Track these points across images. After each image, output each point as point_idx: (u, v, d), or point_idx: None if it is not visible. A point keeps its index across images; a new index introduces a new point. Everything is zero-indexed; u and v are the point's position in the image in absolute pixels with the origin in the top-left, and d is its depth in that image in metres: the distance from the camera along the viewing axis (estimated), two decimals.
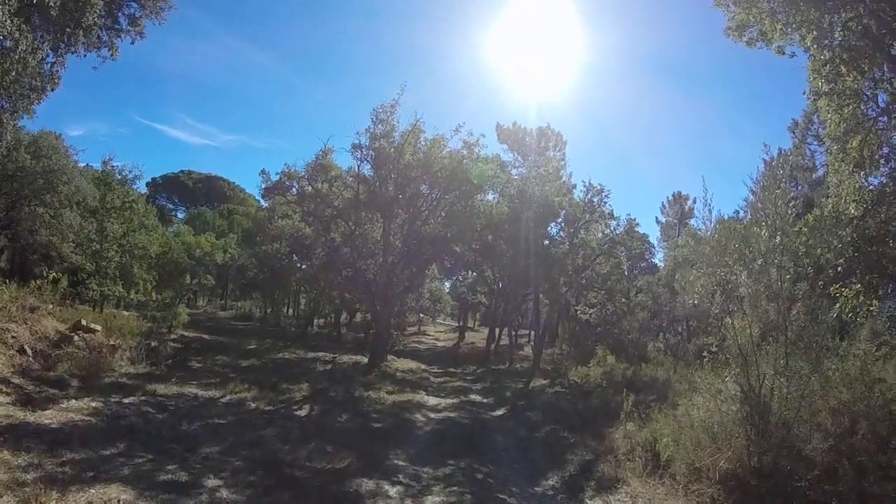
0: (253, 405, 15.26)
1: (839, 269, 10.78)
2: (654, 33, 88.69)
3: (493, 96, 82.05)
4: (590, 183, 28.22)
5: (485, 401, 19.95)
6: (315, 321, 45.53)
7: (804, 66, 12.05)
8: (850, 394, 8.97)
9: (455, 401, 19.28)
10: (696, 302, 11.46)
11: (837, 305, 10.77)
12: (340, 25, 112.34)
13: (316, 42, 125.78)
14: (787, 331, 9.43)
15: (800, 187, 42.70)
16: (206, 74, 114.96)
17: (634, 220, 31.49)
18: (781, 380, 9.17)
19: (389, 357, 29.00)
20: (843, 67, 10.45)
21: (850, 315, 10.99)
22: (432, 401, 18.77)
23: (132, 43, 17.52)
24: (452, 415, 16.62)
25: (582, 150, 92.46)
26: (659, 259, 48.78)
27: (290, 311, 52.85)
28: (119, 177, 26.87)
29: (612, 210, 30.14)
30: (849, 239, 10.62)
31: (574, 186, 31.34)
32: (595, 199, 29.50)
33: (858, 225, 10.78)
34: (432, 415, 16.37)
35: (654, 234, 51.24)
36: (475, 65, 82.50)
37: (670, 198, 50.67)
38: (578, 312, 35.29)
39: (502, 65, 68.74)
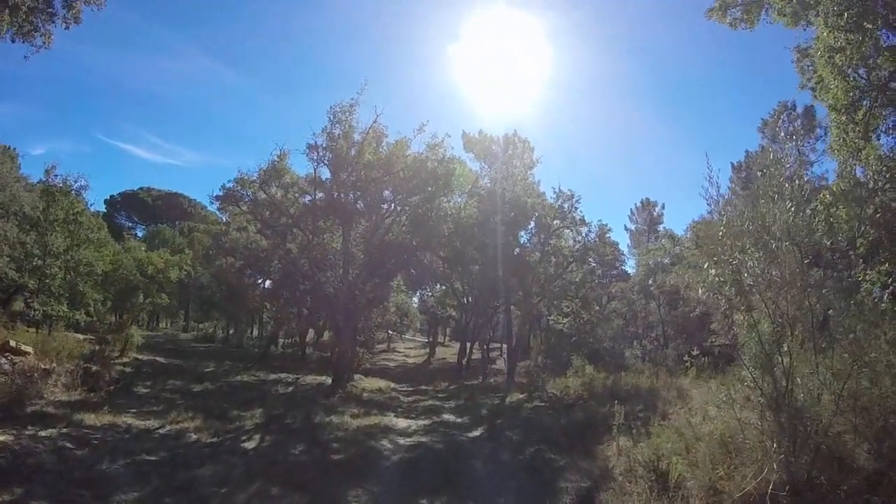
0: (194, 437, 13.17)
1: (861, 248, 9.23)
2: (620, 52, 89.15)
3: (461, 113, 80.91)
4: (559, 188, 26.78)
5: (459, 420, 17.96)
6: (280, 341, 42.98)
7: (765, 79, 11.00)
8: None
9: (427, 422, 17.24)
10: (703, 296, 9.60)
11: (863, 288, 9.16)
12: (308, 42, 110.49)
13: (282, 59, 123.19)
14: (814, 321, 7.77)
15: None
16: (170, 92, 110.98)
17: (606, 225, 30.12)
18: (818, 378, 7.46)
19: (356, 377, 26.81)
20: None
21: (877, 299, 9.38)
22: (402, 423, 16.70)
23: (66, 28, 15.16)
24: (424, 439, 14.58)
25: (547, 163, 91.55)
26: (630, 266, 47.75)
27: (255, 331, 50.07)
28: (63, 187, 24.23)
29: (583, 216, 28.68)
30: (871, 211, 9.10)
31: (543, 193, 29.80)
32: (566, 205, 28.05)
33: (882, 197, 9.26)
34: (402, 440, 14.31)
35: (623, 242, 50.38)
36: (443, 83, 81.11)
37: (638, 205, 49.96)
38: (551, 322, 33.68)
39: (469, 82, 67.58)
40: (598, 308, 31.82)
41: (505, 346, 54.18)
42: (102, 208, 56.46)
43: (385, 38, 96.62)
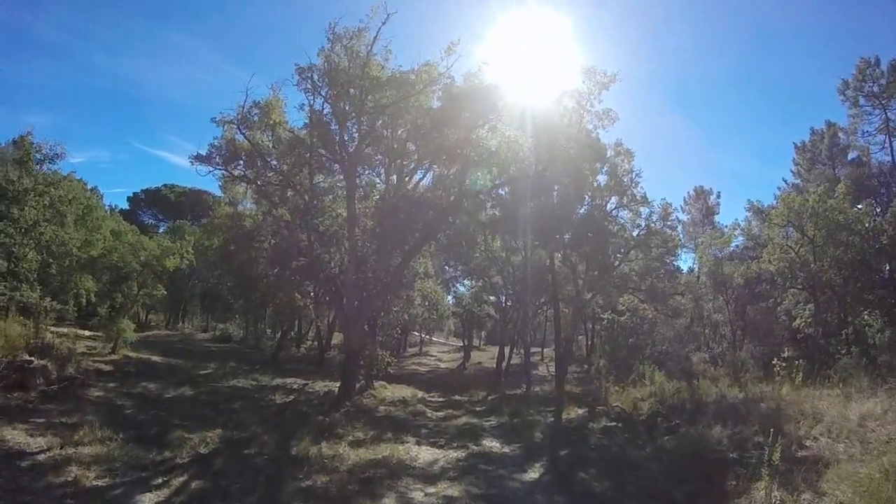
0: (74, 474, 7.78)
1: None
2: (653, 50, 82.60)
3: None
4: (620, 144, 20.19)
5: (507, 450, 12.17)
6: (309, 343, 37.66)
7: None
8: None
9: (461, 454, 11.48)
10: None
11: None
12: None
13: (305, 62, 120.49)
14: None
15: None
16: (199, 99, 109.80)
17: (671, 205, 23.75)
18: None
19: (378, 384, 21.18)
20: None
21: None
22: (424, 456, 11.02)
23: None
24: (456, 491, 8.75)
25: None
26: (684, 261, 41.01)
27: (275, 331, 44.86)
28: (39, 156, 19.69)
29: (644, 193, 22.33)
30: None
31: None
32: (625, 179, 21.89)
33: None
34: (421, 493, 8.55)
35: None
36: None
37: (692, 192, 43.05)
38: (606, 321, 27.44)
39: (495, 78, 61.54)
40: (661, 304, 25.38)
41: (545, 350, 48.51)
42: (126, 206, 52.97)
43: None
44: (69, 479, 7.83)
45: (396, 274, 15.54)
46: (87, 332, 25.33)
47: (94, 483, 7.80)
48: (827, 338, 20.95)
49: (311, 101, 14.99)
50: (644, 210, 21.51)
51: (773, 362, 15.60)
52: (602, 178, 18.98)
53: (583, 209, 17.23)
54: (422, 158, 15.24)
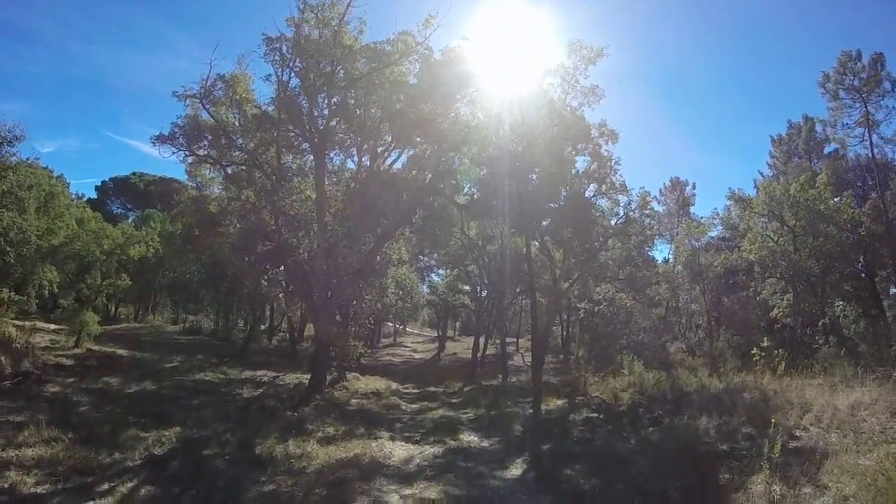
0: (11, 479, 7.10)
1: None
2: (634, 40, 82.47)
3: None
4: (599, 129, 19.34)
5: (487, 445, 11.46)
6: (275, 333, 36.39)
7: None
8: None
9: (439, 449, 10.72)
10: None
11: None
12: None
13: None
14: None
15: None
16: (171, 86, 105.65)
17: (649, 193, 23.24)
18: None
19: (350, 375, 20.31)
20: None
21: None
22: (399, 453, 10.21)
23: None
24: (434, 493, 7.98)
25: None
26: (660, 252, 40.65)
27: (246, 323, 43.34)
28: None
29: (623, 181, 21.73)
30: None
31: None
32: (606, 166, 21.27)
33: None
34: (396, 495, 7.76)
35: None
36: None
37: (668, 184, 42.75)
38: (583, 310, 26.99)
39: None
40: (635, 293, 24.89)
41: (520, 340, 47.96)
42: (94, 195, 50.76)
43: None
44: (5, 485, 6.90)
45: (368, 260, 14.55)
46: (51, 326, 23.73)
47: (33, 490, 6.88)
48: (805, 328, 20.89)
49: (280, 74, 13.89)
50: (622, 198, 20.88)
51: (753, 351, 15.18)
52: (582, 163, 17.98)
53: (564, 193, 16.30)
54: (396, 138, 14.15)
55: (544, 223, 17.37)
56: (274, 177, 14.99)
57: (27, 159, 20.50)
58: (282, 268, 15.75)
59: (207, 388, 16.46)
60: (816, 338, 18.04)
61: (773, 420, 8.41)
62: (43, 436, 8.95)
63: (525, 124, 14.88)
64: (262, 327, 33.59)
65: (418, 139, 13.98)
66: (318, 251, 13.75)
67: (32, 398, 12.52)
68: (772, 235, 22.91)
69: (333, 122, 13.65)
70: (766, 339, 16.11)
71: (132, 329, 36.94)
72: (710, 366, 18.65)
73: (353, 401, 15.53)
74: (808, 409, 11.00)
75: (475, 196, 13.91)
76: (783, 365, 13.78)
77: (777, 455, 7.51)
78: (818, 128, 34.34)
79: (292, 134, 14.67)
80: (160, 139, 15.59)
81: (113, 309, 47.96)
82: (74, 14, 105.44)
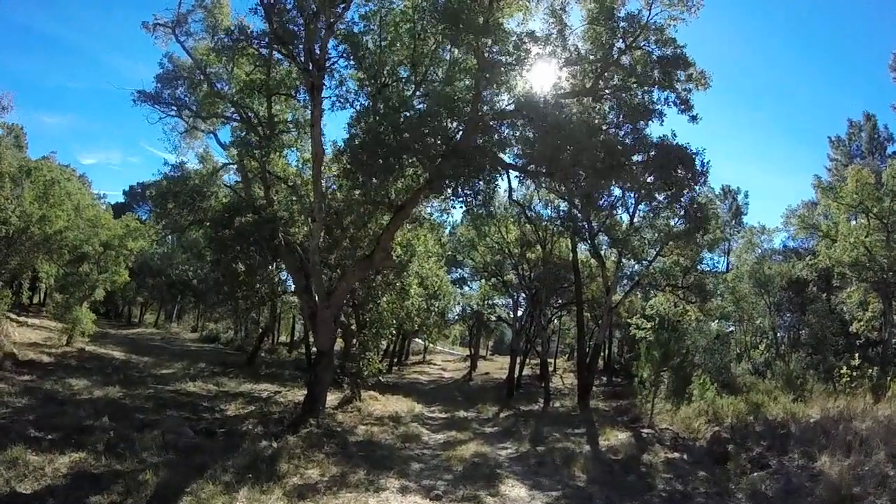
0: None
1: None
2: None
3: None
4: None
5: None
6: (297, 347, 32.97)
7: None
8: None
9: None
10: None
11: None
12: None
13: None
14: None
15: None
16: None
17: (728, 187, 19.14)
18: None
19: (367, 395, 16.67)
20: None
21: None
22: None
23: None
24: None
25: None
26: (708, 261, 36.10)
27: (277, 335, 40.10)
28: None
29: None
30: None
31: None
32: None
33: None
34: None
35: None
36: None
37: (718, 192, 38.14)
38: (632, 327, 22.74)
39: None
40: (698, 302, 20.58)
41: (557, 361, 43.31)
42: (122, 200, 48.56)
43: None
44: None
45: (382, 242, 10.69)
46: (53, 323, 21.62)
47: None
48: None
49: None
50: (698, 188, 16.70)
51: (842, 371, 12.56)
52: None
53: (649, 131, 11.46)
54: (416, 65, 10.26)
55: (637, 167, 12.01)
56: (261, 127, 11.47)
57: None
58: (264, 248, 12.04)
59: (185, 402, 13.06)
60: None
61: None
62: None
63: (592, 39, 10.48)
64: (268, 336, 30.13)
65: (449, 56, 10.03)
66: (314, 226, 10.07)
67: None
68: (859, 234, 18.56)
69: (330, 44, 9.88)
70: (855, 356, 13.06)
71: (147, 334, 34.40)
72: (787, 389, 14.70)
73: (361, 427, 11.75)
74: None
75: (528, 140, 9.92)
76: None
77: None
78: (880, 126, 30.86)
79: (283, 57, 10.94)
80: (145, 96, 12.35)
81: (138, 314, 45.89)
82: (115, 30, 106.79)
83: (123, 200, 48.13)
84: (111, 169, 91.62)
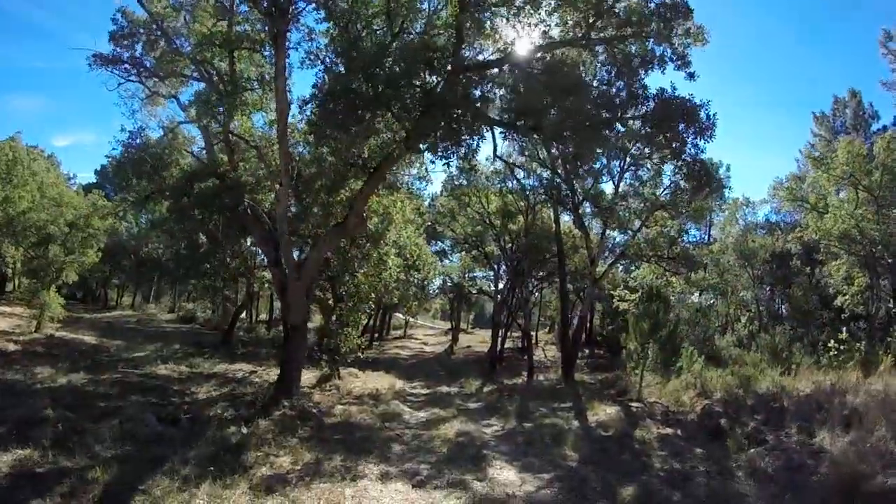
0: None
1: None
2: None
3: None
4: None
5: (531, 488, 7.10)
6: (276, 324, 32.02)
7: None
8: None
9: (458, 501, 6.24)
10: None
11: None
12: None
13: None
14: None
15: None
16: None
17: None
18: None
19: (346, 372, 16.04)
20: None
21: None
22: None
23: None
24: None
25: None
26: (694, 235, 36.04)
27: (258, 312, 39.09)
28: None
29: None
30: None
31: None
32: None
33: None
34: None
35: None
36: None
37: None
38: (616, 299, 22.37)
39: None
40: (686, 272, 20.20)
41: (538, 334, 42.98)
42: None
43: None
44: None
45: (356, 207, 9.84)
46: (24, 310, 20.48)
47: None
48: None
49: None
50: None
51: (830, 345, 12.68)
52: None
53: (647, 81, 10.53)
54: (392, 16, 9.15)
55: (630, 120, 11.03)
56: (223, 85, 10.41)
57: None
58: (225, 215, 11.10)
59: (153, 386, 12.23)
60: None
61: None
62: None
63: None
64: (244, 312, 29.27)
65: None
66: (281, 191, 9.19)
67: None
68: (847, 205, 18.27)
69: None
70: (841, 329, 13.34)
71: (123, 317, 33.19)
72: (773, 362, 14.54)
73: (339, 407, 11.09)
74: None
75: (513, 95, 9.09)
76: (888, 359, 10.83)
77: None
78: (865, 103, 30.59)
79: (244, 2, 9.90)
80: (101, 59, 11.18)
81: (115, 298, 44.37)
82: (81, 10, 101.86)
83: (95, 180, 46.11)
84: (85, 150, 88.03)
